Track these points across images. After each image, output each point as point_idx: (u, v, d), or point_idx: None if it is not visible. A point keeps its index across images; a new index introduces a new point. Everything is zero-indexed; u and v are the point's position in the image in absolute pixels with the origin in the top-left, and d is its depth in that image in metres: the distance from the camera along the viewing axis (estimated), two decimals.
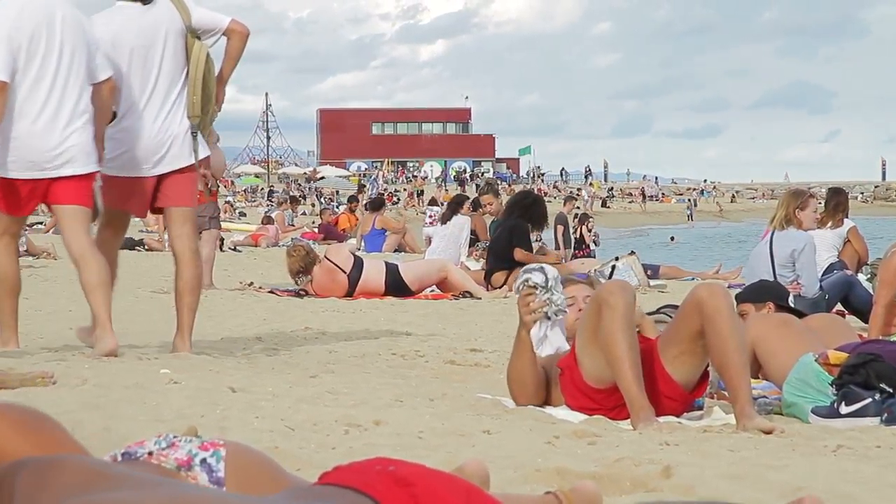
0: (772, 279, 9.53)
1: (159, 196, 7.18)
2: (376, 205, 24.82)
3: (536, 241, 26.32)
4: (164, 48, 7.04)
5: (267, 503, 2.44)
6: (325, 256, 12.37)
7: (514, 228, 14.07)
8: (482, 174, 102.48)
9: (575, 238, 25.88)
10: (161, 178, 7.13)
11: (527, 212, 14.29)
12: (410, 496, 2.49)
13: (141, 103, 7.03)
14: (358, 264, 12.38)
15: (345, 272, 12.20)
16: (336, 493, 2.51)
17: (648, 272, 15.94)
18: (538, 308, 5.52)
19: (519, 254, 13.87)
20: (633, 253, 15.14)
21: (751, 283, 7.94)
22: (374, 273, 12.42)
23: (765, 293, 6.97)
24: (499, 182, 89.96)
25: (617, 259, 14.83)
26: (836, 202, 12.22)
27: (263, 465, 2.75)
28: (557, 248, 24.39)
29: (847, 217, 12.24)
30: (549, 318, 5.59)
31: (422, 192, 67.58)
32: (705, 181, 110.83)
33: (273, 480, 2.65)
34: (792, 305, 6.85)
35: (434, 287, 12.92)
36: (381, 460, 2.65)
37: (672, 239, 47.81)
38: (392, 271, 12.63)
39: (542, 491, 3.27)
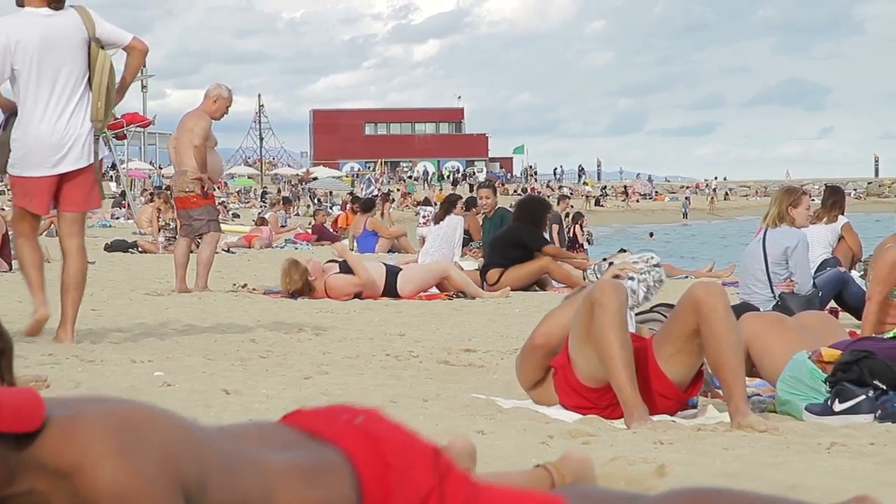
0: (765, 277, 9.55)
1: (59, 196, 7.56)
2: (367, 206, 24.71)
3: None
4: (66, 54, 7.43)
5: (236, 444, 2.39)
6: (326, 290, 12.08)
7: (522, 231, 14.13)
8: (474, 174, 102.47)
9: (568, 237, 25.88)
10: (61, 179, 7.51)
11: (529, 214, 14.36)
12: (378, 453, 2.43)
13: (41, 105, 7.42)
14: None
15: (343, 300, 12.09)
16: (303, 443, 2.44)
17: None
18: (630, 270, 5.73)
19: (551, 249, 14.48)
20: (623, 251, 15.11)
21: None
22: (373, 280, 12.33)
23: (739, 310, 6.97)
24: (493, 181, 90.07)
25: (605, 259, 14.81)
26: (834, 200, 12.25)
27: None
28: None
29: (843, 214, 12.27)
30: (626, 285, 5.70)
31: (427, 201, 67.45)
32: (716, 178, 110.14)
33: None
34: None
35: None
36: (348, 408, 2.55)
37: (651, 235, 47.82)
38: (391, 274, 12.55)
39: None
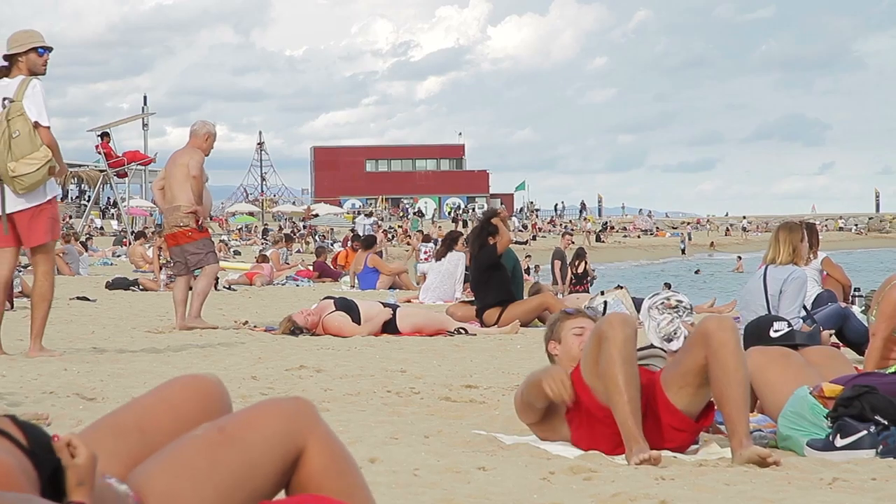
0: (766, 313, 9.50)
1: None
2: (368, 243, 24.65)
3: (530, 272, 26.33)
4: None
5: None
6: (323, 329, 12.09)
7: (477, 259, 14.18)
8: (474, 210, 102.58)
9: (576, 273, 25.88)
10: None
11: (477, 238, 14.37)
12: None
13: None
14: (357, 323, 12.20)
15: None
16: None
17: None
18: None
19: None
20: (620, 287, 15.09)
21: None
22: (372, 323, 12.32)
23: (749, 340, 6.93)
24: None
25: (602, 294, 14.81)
26: (814, 238, 12.21)
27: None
28: (555, 282, 24.41)
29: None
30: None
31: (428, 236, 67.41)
32: (744, 219, 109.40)
33: None
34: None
35: None
36: (315, 498, 2.61)
37: (697, 272, 47.65)
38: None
39: None
